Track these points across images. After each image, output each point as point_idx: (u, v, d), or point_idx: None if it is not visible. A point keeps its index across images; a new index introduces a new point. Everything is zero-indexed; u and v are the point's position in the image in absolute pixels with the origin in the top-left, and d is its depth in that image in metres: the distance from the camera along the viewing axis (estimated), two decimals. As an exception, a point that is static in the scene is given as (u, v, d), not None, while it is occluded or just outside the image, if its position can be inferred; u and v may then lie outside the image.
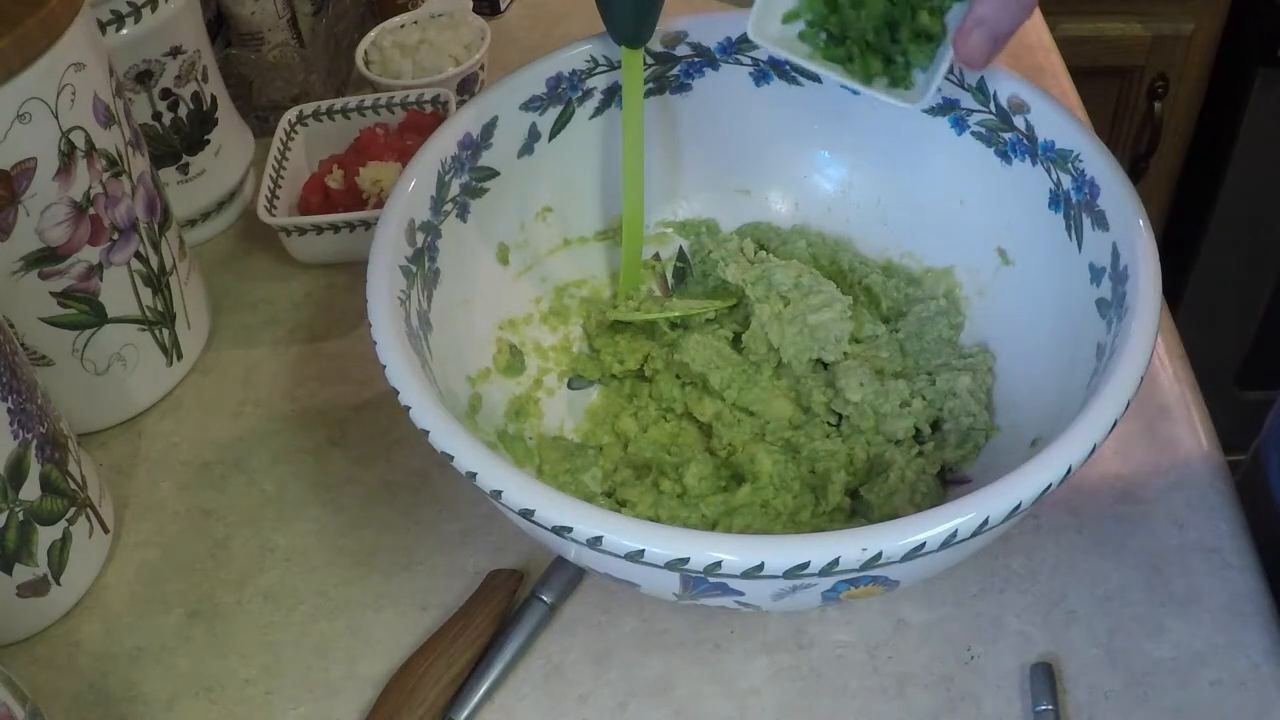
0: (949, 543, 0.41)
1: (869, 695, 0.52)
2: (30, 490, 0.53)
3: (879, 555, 0.41)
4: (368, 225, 0.71)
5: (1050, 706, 0.50)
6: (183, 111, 0.73)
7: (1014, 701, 0.51)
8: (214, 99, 0.75)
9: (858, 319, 0.62)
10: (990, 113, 0.58)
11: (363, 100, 0.78)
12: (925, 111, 0.60)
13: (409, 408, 0.46)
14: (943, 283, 0.62)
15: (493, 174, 0.60)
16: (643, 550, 0.41)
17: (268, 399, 0.67)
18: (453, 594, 0.57)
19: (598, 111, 0.63)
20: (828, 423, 0.60)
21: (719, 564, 0.41)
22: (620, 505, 0.57)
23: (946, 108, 0.59)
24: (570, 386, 0.63)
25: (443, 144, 0.58)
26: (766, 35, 0.56)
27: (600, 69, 0.62)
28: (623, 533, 0.42)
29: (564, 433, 0.61)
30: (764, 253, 0.65)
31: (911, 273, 0.64)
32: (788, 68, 0.63)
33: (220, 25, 0.84)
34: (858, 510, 0.56)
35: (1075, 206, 0.54)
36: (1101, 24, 1.35)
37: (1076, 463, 0.42)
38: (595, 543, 0.42)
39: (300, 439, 0.65)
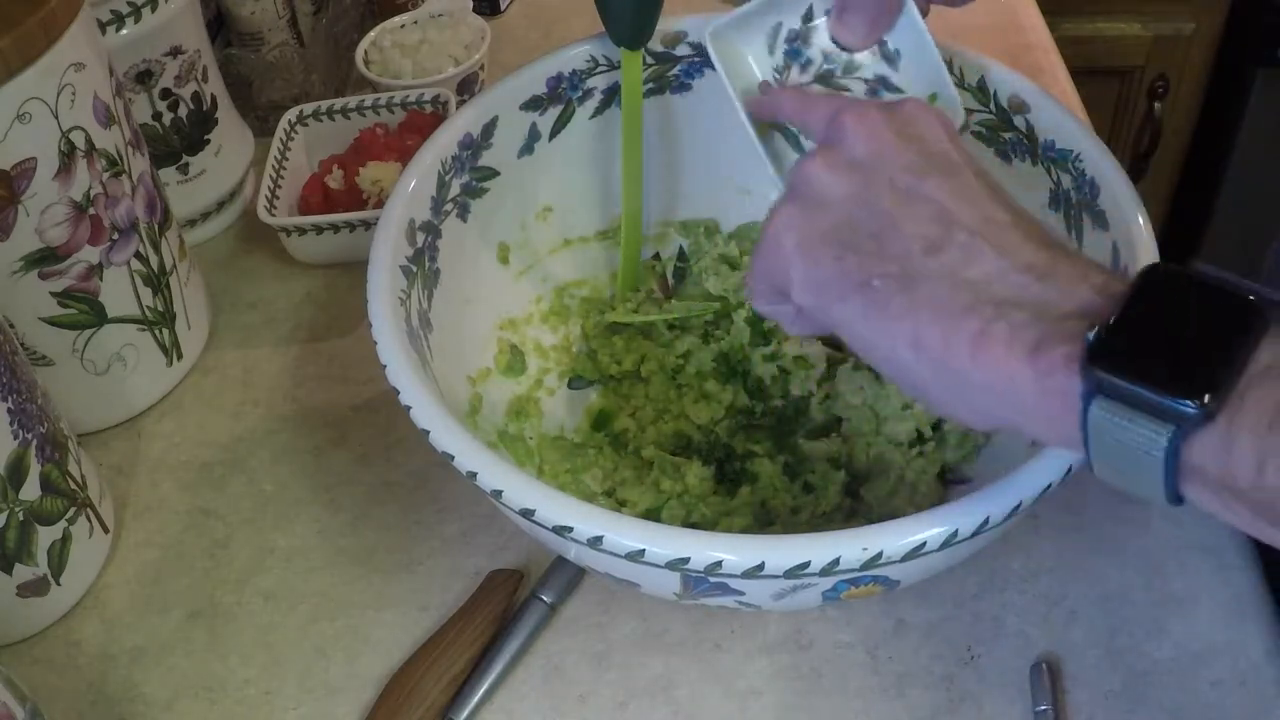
0: (949, 543, 0.41)
1: (869, 695, 0.52)
2: (30, 490, 0.53)
3: (879, 555, 0.41)
4: (368, 225, 0.71)
5: (1050, 706, 0.50)
6: (183, 111, 0.73)
7: (1014, 701, 0.51)
8: (214, 99, 0.75)
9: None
10: (990, 112, 0.58)
11: (363, 100, 0.78)
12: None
13: (409, 408, 0.46)
14: (943, 283, 0.62)
15: (493, 174, 0.60)
16: (643, 550, 0.41)
17: (268, 399, 0.67)
18: (453, 594, 0.56)
19: (598, 111, 0.63)
20: (828, 425, 0.60)
21: (719, 564, 0.41)
22: (620, 505, 0.57)
23: (946, 108, 0.59)
24: (571, 386, 0.63)
25: (443, 144, 0.58)
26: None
27: (600, 69, 0.62)
28: (623, 533, 0.42)
29: (564, 433, 0.61)
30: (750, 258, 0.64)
31: (911, 273, 0.64)
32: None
33: (220, 25, 0.84)
34: (857, 510, 0.56)
35: (1075, 206, 0.54)
36: (1101, 24, 1.35)
37: (1077, 462, 0.42)
38: (596, 543, 0.42)
39: (300, 439, 0.65)
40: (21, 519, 0.53)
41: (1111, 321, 0.33)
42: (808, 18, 0.54)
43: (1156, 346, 0.33)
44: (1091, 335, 0.33)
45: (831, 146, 0.42)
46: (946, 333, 0.36)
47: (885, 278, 0.38)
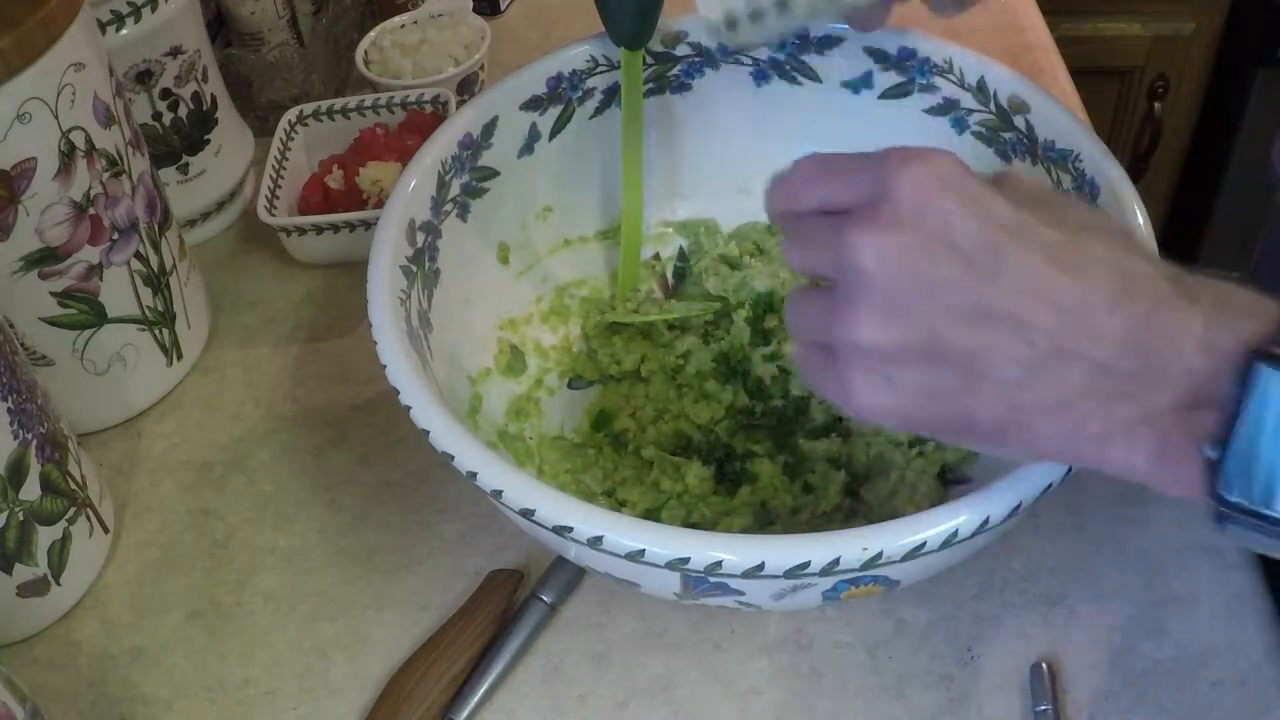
0: (949, 543, 0.41)
1: (869, 695, 0.52)
2: (30, 490, 0.53)
3: (879, 555, 0.41)
4: (368, 225, 0.71)
5: (1050, 706, 0.50)
6: (183, 111, 0.73)
7: (1014, 701, 0.51)
8: (214, 99, 0.75)
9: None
10: (990, 113, 0.58)
11: (363, 100, 0.78)
12: (925, 111, 0.60)
13: (409, 408, 0.46)
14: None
15: (493, 174, 0.60)
16: (643, 550, 0.41)
17: (268, 399, 0.67)
18: (453, 594, 0.57)
19: (598, 111, 0.63)
20: (828, 425, 0.60)
21: (719, 564, 0.41)
22: (620, 505, 0.57)
23: (947, 107, 0.59)
24: (571, 386, 0.63)
25: (443, 144, 0.58)
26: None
27: (600, 69, 0.62)
28: (623, 533, 0.42)
29: (564, 433, 0.61)
30: (750, 258, 0.65)
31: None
32: (788, 67, 0.63)
33: (220, 25, 0.84)
34: (857, 510, 0.56)
35: (1075, 206, 0.54)
36: (1101, 24, 1.35)
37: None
38: (596, 543, 0.42)
39: (300, 439, 0.65)
40: (21, 519, 0.53)
41: (1227, 436, 0.34)
42: None
43: (1271, 462, 0.34)
44: (1212, 453, 0.34)
45: (861, 292, 0.37)
46: (1066, 448, 0.38)
47: (994, 419, 0.38)
